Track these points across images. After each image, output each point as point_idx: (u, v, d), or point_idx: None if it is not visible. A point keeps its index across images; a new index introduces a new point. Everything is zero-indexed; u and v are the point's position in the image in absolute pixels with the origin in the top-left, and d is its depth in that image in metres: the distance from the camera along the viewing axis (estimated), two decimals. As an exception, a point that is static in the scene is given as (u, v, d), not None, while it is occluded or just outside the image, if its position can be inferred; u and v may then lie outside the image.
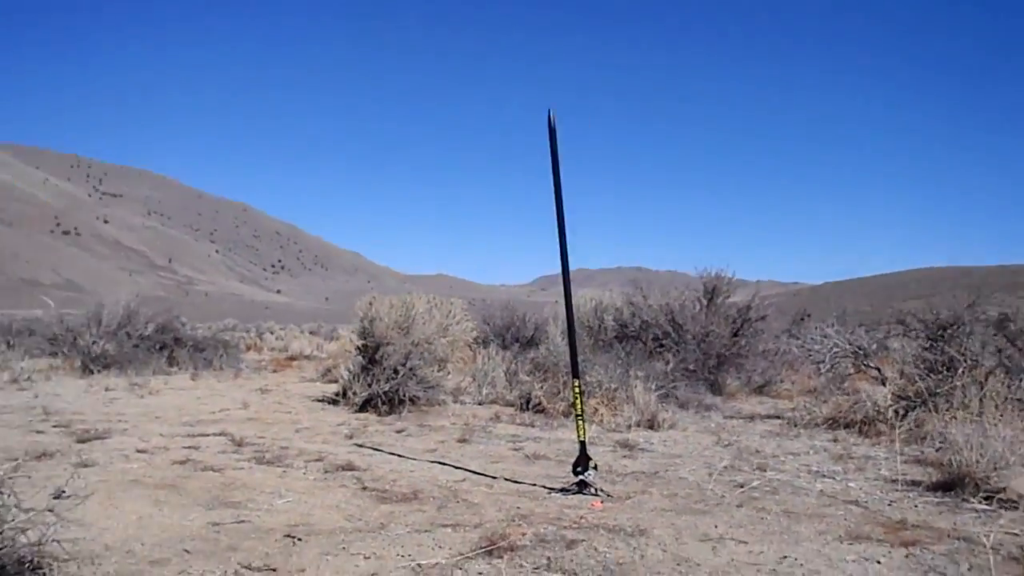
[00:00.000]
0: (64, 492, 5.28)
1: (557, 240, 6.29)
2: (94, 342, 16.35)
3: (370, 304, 11.84)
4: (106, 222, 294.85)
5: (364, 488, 6.12)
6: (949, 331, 10.04)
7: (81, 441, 8.00)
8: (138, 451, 7.51)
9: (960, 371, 8.76)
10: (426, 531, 4.90)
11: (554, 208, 6.26)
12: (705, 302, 14.65)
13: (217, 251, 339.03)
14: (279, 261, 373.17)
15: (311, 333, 44.46)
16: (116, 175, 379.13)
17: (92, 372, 15.58)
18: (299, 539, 4.68)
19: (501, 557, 4.37)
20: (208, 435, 8.67)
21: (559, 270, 6.43)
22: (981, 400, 8.20)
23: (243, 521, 5.07)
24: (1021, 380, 8.50)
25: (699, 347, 13.30)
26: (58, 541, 3.85)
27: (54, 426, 9.04)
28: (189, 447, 7.84)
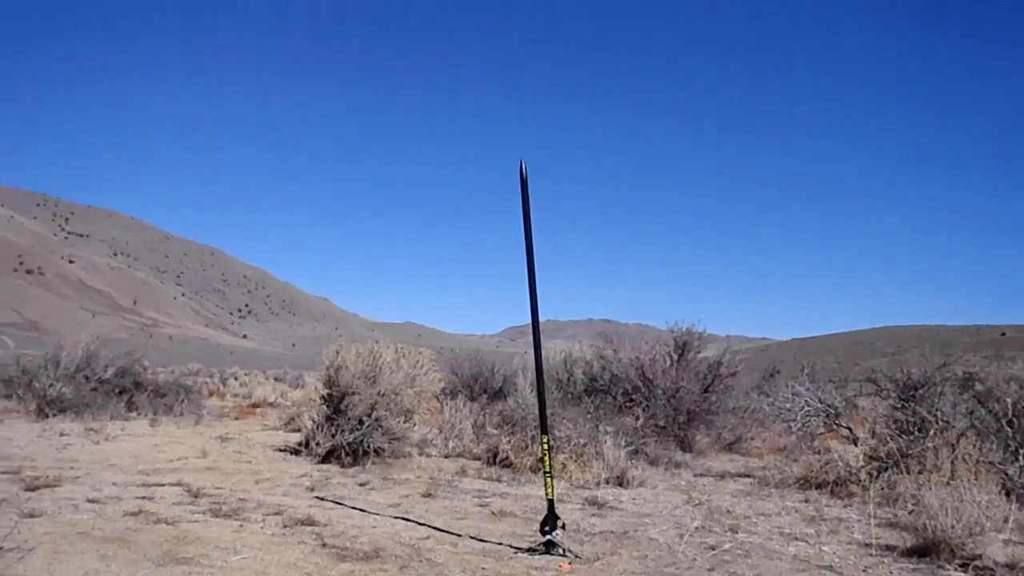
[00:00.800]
0: (2, 547, 5.00)
1: (527, 288, 6.18)
2: (51, 385, 15.94)
3: (337, 352, 11.63)
4: (71, 262, 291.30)
5: (324, 544, 5.89)
6: (920, 391, 10.02)
7: (29, 489, 7.68)
8: (89, 501, 7.21)
9: (932, 432, 8.70)
10: (387, 593, 4.69)
11: (524, 256, 6.16)
12: (676, 357, 14.58)
13: (183, 294, 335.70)
14: (246, 305, 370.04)
15: (276, 380, 43.84)
16: (83, 215, 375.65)
17: (47, 416, 15.16)
18: (253, 600, 4.45)
19: (465, 623, 4.17)
20: (164, 485, 8.39)
21: (528, 320, 6.31)
22: (953, 462, 8.14)
23: (194, 579, 4.83)
24: (993, 443, 8.45)
25: (669, 403, 13.19)
26: (-8, 602, 3.61)
27: (2, 472, 8.71)
28: (143, 497, 7.56)
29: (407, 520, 7.06)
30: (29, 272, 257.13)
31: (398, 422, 11.34)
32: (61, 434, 12.77)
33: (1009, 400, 9.05)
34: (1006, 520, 6.19)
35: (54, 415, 15.19)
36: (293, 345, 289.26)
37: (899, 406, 10.03)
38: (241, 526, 6.48)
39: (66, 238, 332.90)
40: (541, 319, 6.30)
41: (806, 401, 11.16)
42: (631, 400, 13.69)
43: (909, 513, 7.31)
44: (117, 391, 17.44)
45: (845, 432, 10.97)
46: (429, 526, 6.82)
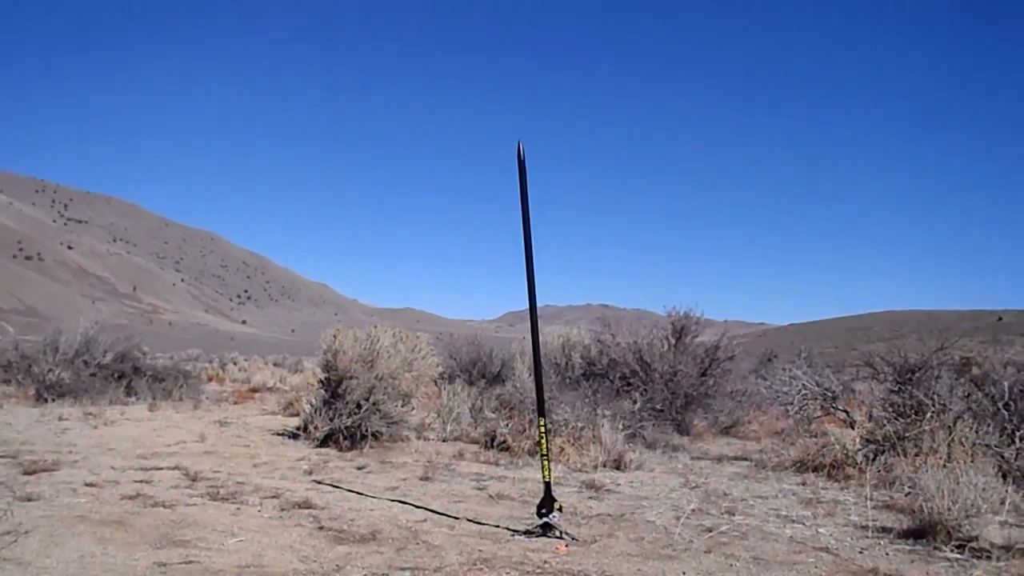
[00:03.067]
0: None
1: (525, 273, 6.16)
2: (49, 370, 15.93)
3: (334, 337, 11.62)
4: (70, 248, 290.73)
5: (321, 527, 5.90)
6: (917, 375, 10.02)
7: (27, 473, 7.70)
8: (86, 484, 7.23)
9: (928, 415, 8.71)
10: (383, 575, 4.70)
11: (522, 240, 6.14)
12: (673, 341, 14.57)
13: (183, 280, 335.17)
14: (246, 291, 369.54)
15: (275, 365, 43.84)
16: (82, 201, 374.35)
17: (46, 401, 15.16)
18: (249, 582, 4.46)
19: (461, 604, 4.18)
20: (162, 468, 8.40)
21: (526, 306, 6.29)
22: (950, 445, 8.15)
23: (191, 562, 4.84)
24: (989, 426, 8.45)
25: (667, 386, 13.19)
26: (-12, 583, 3.62)
27: (0, 457, 8.71)
28: (141, 481, 7.57)
29: (404, 503, 7.08)
30: (28, 258, 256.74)
31: (396, 406, 11.34)
32: (60, 419, 12.78)
33: (1006, 383, 9.06)
34: (1002, 502, 6.19)
35: (53, 400, 15.19)
36: (292, 331, 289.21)
37: (896, 389, 10.04)
38: (238, 509, 6.49)
39: (65, 224, 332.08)
40: (539, 304, 6.29)
41: (803, 385, 11.17)
42: (628, 384, 13.70)
43: (905, 495, 7.33)
44: (116, 376, 17.42)
45: (842, 415, 10.98)
46: (426, 509, 6.83)
